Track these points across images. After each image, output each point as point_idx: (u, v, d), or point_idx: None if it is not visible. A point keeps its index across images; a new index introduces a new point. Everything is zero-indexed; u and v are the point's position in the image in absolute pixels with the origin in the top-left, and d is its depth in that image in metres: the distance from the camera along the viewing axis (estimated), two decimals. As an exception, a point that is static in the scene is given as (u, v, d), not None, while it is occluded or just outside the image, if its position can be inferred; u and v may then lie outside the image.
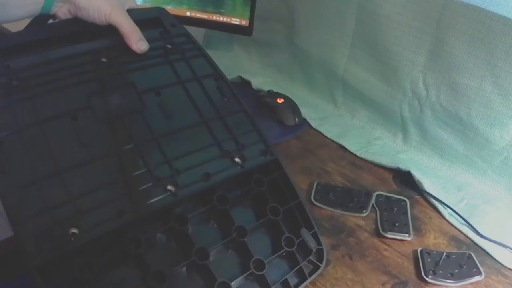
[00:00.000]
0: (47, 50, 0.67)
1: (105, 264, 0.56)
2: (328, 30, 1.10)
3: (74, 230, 0.53)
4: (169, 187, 0.60)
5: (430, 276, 0.72)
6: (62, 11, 0.69)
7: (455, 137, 0.95)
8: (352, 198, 0.87)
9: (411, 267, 0.75)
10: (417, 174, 0.91)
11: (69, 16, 0.69)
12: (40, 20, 0.69)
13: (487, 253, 0.79)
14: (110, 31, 0.69)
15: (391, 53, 0.98)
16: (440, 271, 0.72)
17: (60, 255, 0.52)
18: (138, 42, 0.70)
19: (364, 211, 0.85)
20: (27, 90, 0.61)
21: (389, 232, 0.80)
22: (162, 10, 0.79)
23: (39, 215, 0.53)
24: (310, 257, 0.69)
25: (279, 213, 0.69)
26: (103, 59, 0.68)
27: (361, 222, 0.83)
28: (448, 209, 0.87)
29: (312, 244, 0.70)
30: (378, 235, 0.81)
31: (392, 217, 0.83)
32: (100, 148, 0.60)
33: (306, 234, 0.70)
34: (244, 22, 1.13)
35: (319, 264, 0.70)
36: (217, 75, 0.75)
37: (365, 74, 1.06)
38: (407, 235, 0.80)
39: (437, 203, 0.88)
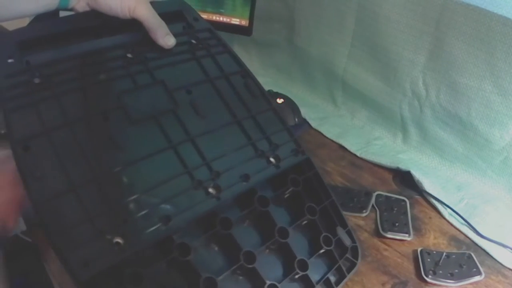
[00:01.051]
0: (67, 44, 0.63)
1: (153, 273, 0.53)
2: (328, 30, 1.10)
3: (119, 240, 0.50)
4: (210, 190, 0.58)
5: (430, 276, 0.72)
6: (80, 4, 0.65)
7: (455, 137, 0.95)
8: (352, 198, 0.87)
9: (411, 267, 0.75)
10: (417, 174, 0.91)
11: (87, 10, 0.66)
12: (50, 13, 0.65)
13: (487, 253, 0.79)
14: (132, 25, 0.65)
15: (391, 53, 0.98)
16: (440, 271, 0.72)
17: (108, 267, 0.48)
18: (165, 37, 0.67)
19: (364, 211, 0.85)
20: (51, 88, 0.57)
21: (389, 232, 0.80)
22: (184, 3, 0.76)
23: (80, 225, 0.49)
24: (347, 255, 0.70)
25: (316, 212, 0.68)
26: (129, 55, 0.65)
27: (361, 222, 0.83)
28: (448, 209, 0.87)
29: (347, 241, 0.71)
30: (378, 235, 0.81)
31: (392, 217, 0.83)
32: (136, 150, 0.57)
33: (341, 232, 0.71)
34: (244, 22, 1.13)
35: (355, 261, 0.70)
36: (244, 72, 0.73)
37: (365, 74, 1.06)
38: (407, 235, 0.80)
39: (437, 203, 0.88)
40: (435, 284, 0.72)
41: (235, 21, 1.14)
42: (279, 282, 0.59)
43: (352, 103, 1.14)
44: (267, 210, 0.63)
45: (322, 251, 0.67)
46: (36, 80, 0.57)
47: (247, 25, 1.13)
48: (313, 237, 0.68)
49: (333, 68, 1.12)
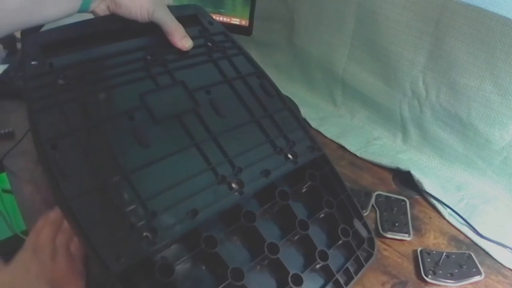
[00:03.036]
0: (88, 47, 0.65)
1: (183, 265, 0.56)
2: (327, 30, 1.10)
3: (149, 234, 0.52)
4: (233, 185, 0.61)
5: (430, 276, 0.72)
6: (100, 8, 0.67)
7: (454, 137, 0.95)
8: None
9: (411, 267, 0.75)
10: (417, 174, 0.91)
11: (107, 13, 0.68)
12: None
13: (487, 253, 0.79)
14: (150, 28, 0.68)
15: (391, 53, 0.98)
16: (440, 271, 0.72)
17: (139, 260, 0.51)
18: (182, 39, 0.70)
19: (364, 211, 0.85)
20: (75, 89, 0.59)
21: (389, 232, 0.80)
22: (199, 8, 0.79)
23: (110, 220, 0.52)
24: (364, 245, 0.73)
25: (333, 205, 0.71)
26: (148, 57, 0.68)
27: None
28: (448, 209, 0.87)
29: (364, 233, 0.73)
30: (378, 235, 0.81)
31: (392, 217, 0.83)
32: (162, 148, 0.59)
33: (357, 224, 0.73)
34: (244, 22, 1.13)
35: (372, 251, 0.73)
36: (259, 73, 0.76)
37: (364, 74, 1.06)
38: (407, 235, 0.80)
39: (437, 203, 0.88)
40: (435, 284, 0.72)
41: (235, 21, 1.14)
42: (302, 273, 0.62)
43: (352, 103, 1.14)
44: (287, 203, 0.66)
45: (340, 242, 0.70)
46: (60, 82, 0.59)
47: (247, 25, 1.13)
48: (331, 229, 0.71)
49: (333, 68, 1.12)
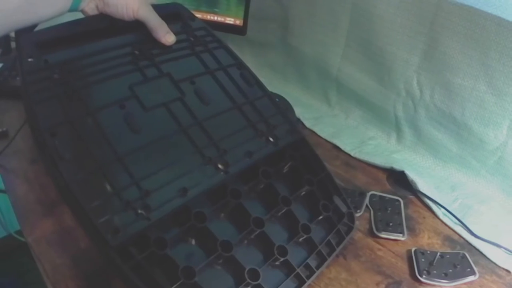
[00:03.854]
0: (80, 44, 0.70)
1: (175, 239, 0.60)
2: (322, 30, 1.10)
3: (143, 210, 0.57)
4: (219, 166, 0.65)
5: (424, 276, 0.72)
6: (90, 6, 0.72)
7: (449, 137, 0.95)
8: (346, 198, 0.86)
9: (405, 267, 0.75)
10: (411, 174, 0.91)
11: (96, 12, 0.73)
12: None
13: (481, 253, 0.79)
14: (136, 26, 0.73)
15: (385, 53, 0.98)
16: (434, 271, 0.72)
17: (135, 233, 0.55)
18: (166, 35, 0.75)
19: (358, 211, 0.84)
20: (70, 83, 0.64)
21: (383, 232, 0.80)
22: (180, 6, 0.85)
23: (108, 198, 0.56)
24: (344, 220, 0.77)
25: (314, 183, 0.76)
26: (136, 52, 0.73)
27: (355, 222, 0.82)
28: (442, 209, 0.87)
29: (343, 208, 0.77)
30: (372, 235, 0.81)
31: (386, 217, 0.83)
32: (152, 133, 0.64)
33: (337, 200, 0.77)
34: (238, 22, 1.13)
35: (352, 225, 0.77)
36: (239, 64, 0.81)
37: (359, 74, 1.06)
38: (401, 235, 0.80)
39: (431, 203, 0.88)
40: (429, 284, 0.72)
41: (230, 20, 1.14)
42: (286, 244, 0.67)
43: (346, 103, 1.14)
44: (270, 182, 0.71)
45: (321, 217, 0.74)
46: (56, 76, 0.64)
47: (241, 24, 1.13)
48: (312, 205, 0.75)
49: (327, 67, 1.12)
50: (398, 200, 0.88)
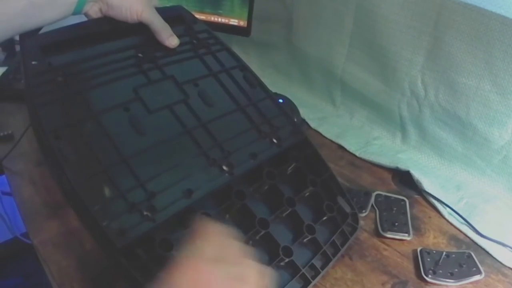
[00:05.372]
0: (84, 47, 0.70)
1: (180, 241, 0.58)
2: (326, 30, 1.10)
3: (149, 212, 0.57)
4: (224, 167, 0.65)
5: (430, 276, 0.72)
6: (93, 9, 0.72)
7: (454, 137, 0.95)
8: (351, 198, 0.86)
9: (411, 267, 0.75)
10: (416, 174, 0.91)
11: (99, 15, 0.73)
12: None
13: (487, 252, 0.79)
14: (140, 28, 0.73)
15: (390, 53, 0.98)
16: (440, 271, 0.72)
17: (141, 235, 0.55)
18: (169, 37, 0.75)
19: (364, 211, 0.85)
20: (73, 85, 0.64)
21: (388, 232, 0.80)
22: (183, 9, 0.85)
23: (114, 200, 0.56)
24: (348, 220, 0.77)
25: (317, 183, 0.76)
26: (139, 55, 0.73)
27: (361, 222, 0.82)
28: (448, 209, 0.87)
29: (347, 209, 0.78)
30: (377, 235, 0.81)
31: (392, 217, 0.83)
32: (157, 135, 0.64)
33: (341, 201, 0.78)
34: (242, 23, 1.13)
35: (356, 225, 0.78)
36: (242, 66, 0.81)
37: (363, 74, 1.06)
38: (406, 234, 0.80)
39: (437, 202, 0.88)
40: (435, 284, 0.72)
41: (234, 21, 1.14)
42: (291, 245, 0.67)
43: (350, 103, 1.14)
44: (274, 183, 0.71)
45: (325, 218, 0.74)
46: (59, 79, 0.64)
47: (245, 25, 1.13)
48: (316, 206, 0.75)
49: (332, 68, 1.12)
50: (403, 200, 0.88)
